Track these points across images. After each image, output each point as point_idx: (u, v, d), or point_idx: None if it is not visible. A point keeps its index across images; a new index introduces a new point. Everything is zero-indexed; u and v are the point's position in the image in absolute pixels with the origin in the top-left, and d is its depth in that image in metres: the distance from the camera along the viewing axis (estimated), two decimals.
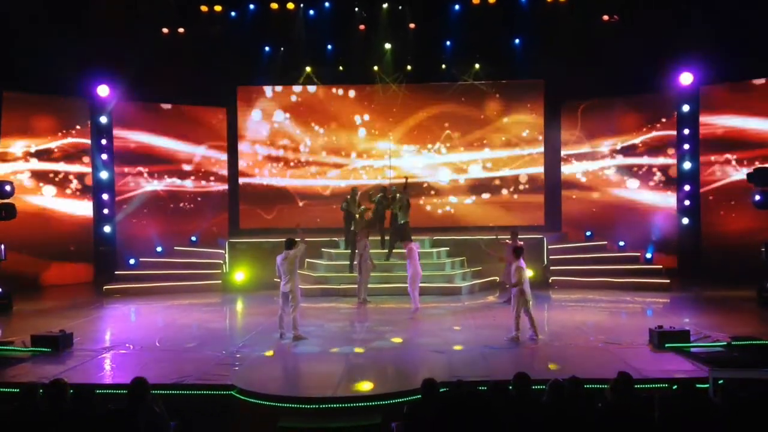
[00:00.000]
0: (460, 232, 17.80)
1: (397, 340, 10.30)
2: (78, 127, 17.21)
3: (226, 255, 17.21)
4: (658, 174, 17.35)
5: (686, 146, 16.64)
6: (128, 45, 15.90)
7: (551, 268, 16.29)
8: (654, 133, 17.34)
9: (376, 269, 14.01)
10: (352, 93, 19.61)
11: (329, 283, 15.37)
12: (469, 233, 17.55)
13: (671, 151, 17.07)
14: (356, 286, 14.07)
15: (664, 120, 17.16)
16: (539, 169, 19.17)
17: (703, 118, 16.46)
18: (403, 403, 6.84)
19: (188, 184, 18.86)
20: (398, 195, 15.42)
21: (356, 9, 18.14)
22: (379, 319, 12.18)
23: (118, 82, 16.80)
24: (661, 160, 17.29)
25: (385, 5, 18.02)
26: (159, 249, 17.56)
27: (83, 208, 17.27)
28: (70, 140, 17.06)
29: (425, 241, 16.50)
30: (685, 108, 16.57)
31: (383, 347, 10.13)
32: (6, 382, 8.28)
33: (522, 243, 12.68)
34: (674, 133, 16.94)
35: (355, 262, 14.20)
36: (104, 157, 17.38)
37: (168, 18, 17.58)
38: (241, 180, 19.61)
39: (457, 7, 17.87)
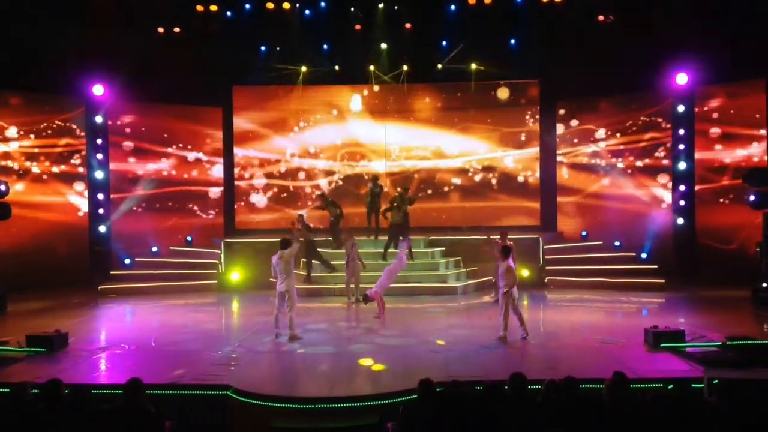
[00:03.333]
0: (455, 232, 17.79)
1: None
2: (73, 126, 17.15)
3: (222, 255, 17.18)
4: (654, 174, 17.37)
5: (681, 146, 16.66)
6: (124, 45, 15.86)
7: (547, 268, 16.33)
8: (649, 133, 17.35)
9: (366, 269, 14.00)
10: (347, 92, 19.60)
11: (325, 283, 15.36)
12: (464, 233, 17.54)
13: (666, 151, 17.09)
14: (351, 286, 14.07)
15: (659, 120, 17.17)
16: (535, 169, 19.18)
17: (698, 118, 16.50)
18: (398, 404, 6.84)
19: (184, 184, 18.81)
20: (401, 197, 15.54)
21: (352, 9, 18.15)
22: (375, 320, 12.16)
23: (114, 81, 16.74)
24: (656, 160, 17.32)
25: (380, 5, 18.03)
26: (154, 249, 17.51)
27: (78, 208, 17.23)
28: (65, 139, 17.01)
29: (420, 241, 16.53)
30: (680, 108, 16.60)
31: (379, 347, 10.13)
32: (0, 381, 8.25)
33: (511, 243, 12.71)
34: (669, 133, 16.96)
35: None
36: (99, 156, 17.31)
37: (164, 17, 17.54)
38: (237, 179, 19.59)
39: (453, 6, 17.88)
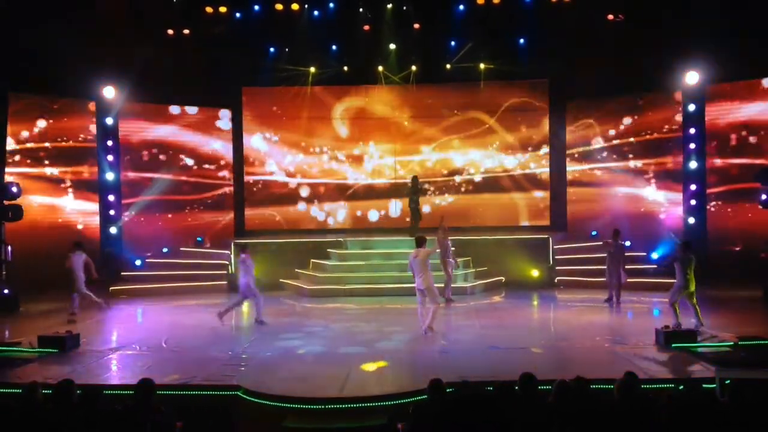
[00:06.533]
0: (465, 233, 17.72)
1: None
2: (84, 128, 17.25)
3: (232, 256, 17.23)
4: (664, 173, 17.26)
5: (692, 145, 16.54)
6: (133, 47, 15.93)
7: (557, 268, 16.26)
8: (660, 133, 17.26)
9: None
10: (356, 93, 19.60)
11: (336, 283, 15.37)
12: (474, 234, 17.50)
13: (677, 150, 16.98)
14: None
15: (669, 119, 17.08)
16: (544, 169, 19.13)
17: (710, 117, 16.39)
18: (409, 404, 6.84)
19: (194, 185, 18.88)
20: None
21: (361, 10, 18.17)
22: (385, 320, 12.16)
23: (124, 83, 16.83)
24: (666, 160, 17.22)
25: (389, 6, 18.04)
26: (165, 250, 17.59)
27: (89, 210, 17.32)
28: (76, 142, 17.11)
29: (429, 242, 16.51)
30: (691, 107, 16.48)
31: (390, 348, 10.13)
32: (12, 382, 8.30)
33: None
34: (680, 132, 16.86)
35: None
36: (110, 158, 17.40)
37: (173, 19, 17.62)
38: (247, 181, 19.63)
39: (461, 6, 17.87)
